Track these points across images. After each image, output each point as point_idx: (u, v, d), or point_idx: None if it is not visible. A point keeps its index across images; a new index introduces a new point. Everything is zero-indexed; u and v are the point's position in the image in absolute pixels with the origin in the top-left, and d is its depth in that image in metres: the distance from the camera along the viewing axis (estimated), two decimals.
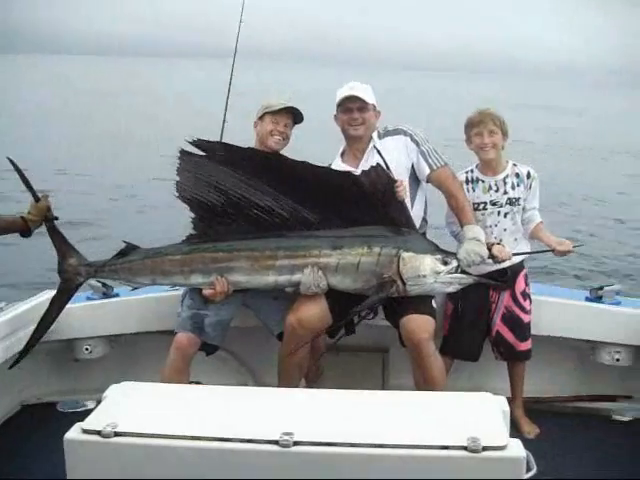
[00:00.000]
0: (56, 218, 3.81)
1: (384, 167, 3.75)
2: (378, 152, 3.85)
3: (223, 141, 4.08)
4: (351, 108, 3.98)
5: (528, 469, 2.19)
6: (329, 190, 3.77)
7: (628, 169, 20.96)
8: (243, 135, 4.16)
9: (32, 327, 3.97)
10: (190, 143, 3.75)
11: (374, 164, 3.81)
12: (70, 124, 26.84)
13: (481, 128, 3.99)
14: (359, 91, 4.00)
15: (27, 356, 3.85)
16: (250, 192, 3.77)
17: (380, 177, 3.72)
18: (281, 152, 4.07)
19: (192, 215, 3.88)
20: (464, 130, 4.12)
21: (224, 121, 4.97)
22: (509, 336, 4.05)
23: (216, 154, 3.80)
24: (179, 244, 3.90)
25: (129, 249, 3.88)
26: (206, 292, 3.77)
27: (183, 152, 3.79)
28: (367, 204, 3.75)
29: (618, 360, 4.14)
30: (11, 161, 3.79)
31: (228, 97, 5.17)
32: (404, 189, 3.74)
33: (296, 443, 2.13)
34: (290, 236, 3.78)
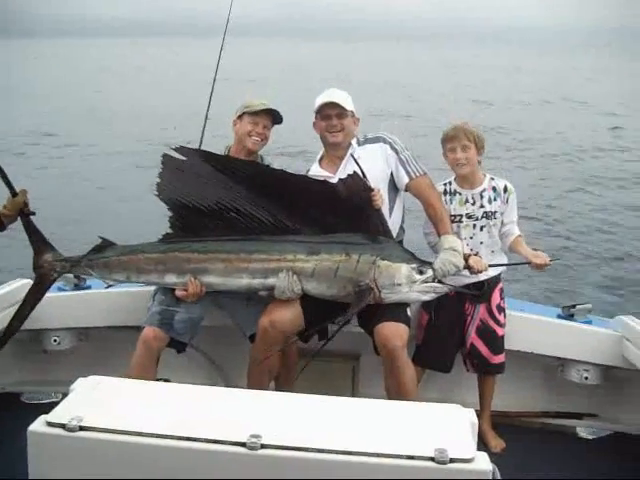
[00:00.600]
0: (33, 213, 3.76)
1: (361, 175, 3.74)
2: (355, 161, 3.82)
3: (203, 149, 4.07)
4: (330, 115, 3.97)
5: None
6: (306, 197, 3.77)
7: None
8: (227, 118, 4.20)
9: (2, 314, 3.92)
10: (173, 149, 3.77)
11: (352, 172, 3.79)
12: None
13: (455, 143, 3.98)
14: (338, 98, 3.99)
15: None
16: (228, 197, 3.78)
17: (357, 185, 3.71)
18: (259, 152, 4.10)
19: (170, 214, 3.87)
20: (441, 144, 4.12)
21: (209, 104, 4.93)
22: (483, 349, 4.07)
23: (196, 160, 3.81)
24: (155, 243, 3.88)
25: (105, 245, 3.86)
26: (178, 293, 3.76)
27: (165, 156, 3.80)
28: (344, 212, 3.75)
29: (587, 378, 4.17)
30: None
31: (216, 75, 5.16)
32: (381, 197, 3.74)
33: (263, 446, 2.11)
34: (266, 239, 3.77)
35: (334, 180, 3.86)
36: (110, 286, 3.90)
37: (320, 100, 4.01)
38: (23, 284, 4.11)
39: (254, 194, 3.76)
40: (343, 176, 3.82)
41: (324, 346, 3.78)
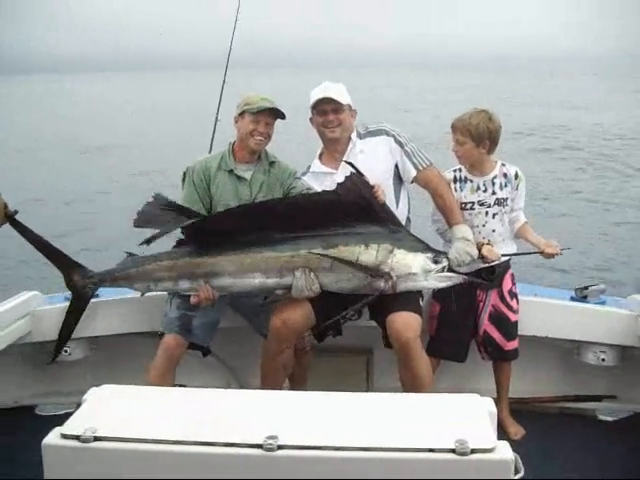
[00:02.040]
0: (16, 212, 3.70)
1: (358, 174, 3.69)
2: (349, 163, 3.77)
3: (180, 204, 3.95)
4: (326, 110, 3.92)
5: (516, 471, 2.15)
6: (311, 214, 3.71)
7: None
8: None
9: (11, 328, 3.92)
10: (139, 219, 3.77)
11: (355, 164, 3.76)
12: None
13: (454, 135, 3.97)
14: (333, 92, 3.93)
15: (3, 357, 3.79)
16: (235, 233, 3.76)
17: (357, 185, 3.66)
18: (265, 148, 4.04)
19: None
20: None
21: (214, 131, 4.94)
22: (496, 335, 4.03)
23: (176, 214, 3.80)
24: (168, 251, 3.87)
25: (129, 258, 3.91)
26: (192, 300, 3.73)
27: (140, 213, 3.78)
28: (350, 214, 3.70)
29: (603, 360, 4.13)
30: None
31: (219, 105, 5.17)
32: (382, 192, 3.70)
33: (280, 447, 2.08)
34: (277, 239, 3.71)
35: (336, 176, 3.84)
36: (142, 295, 3.92)
37: (315, 95, 3.95)
38: (31, 296, 4.10)
39: (260, 227, 3.73)
40: (345, 171, 3.77)
41: (323, 339, 3.78)
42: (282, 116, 4.01)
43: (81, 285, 3.90)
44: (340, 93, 3.95)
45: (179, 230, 3.82)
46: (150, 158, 21.73)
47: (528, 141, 23.50)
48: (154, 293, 3.97)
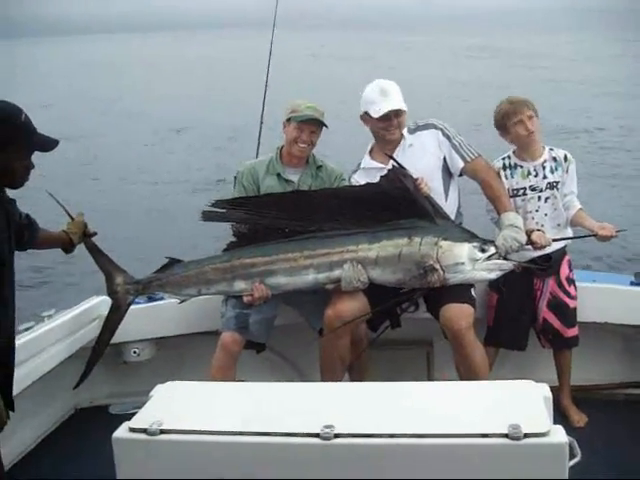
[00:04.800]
0: (94, 234, 3.83)
1: (401, 167, 3.77)
2: (392, 158, 3.86)
3: (235, 197, 4.12)
4: (389, 116, 3.92)
5: (572, 456, 2.16)
6: (355, 206, 3.83)
7: None
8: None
9: (82, 332, 4.09)
10: (210, 207, 3.93)
11: (405, 158, 3.83)
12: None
13: (519, 116, 3.93)
14: (395, 100, 3.92)
15: (79, 360, 3.96)
16: (280, 224, 3.92)
17: (400, 177, 3.74)
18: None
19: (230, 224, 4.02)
20: (495, 124, 4.08)
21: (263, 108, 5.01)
22: (556, 323, 4.00)
23: (236, 209, 3.95)
24: (219, 254, 4.00)
25: (172, 263, 3.99)
26: (246, 299, 3.84)
27: (204, 213, 3.96)
28: (394, 206, 3.78)
29: None
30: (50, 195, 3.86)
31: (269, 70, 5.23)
32: (426, 184, 3.75)
33: (337, 435, 2.15)
34: (327, 235, 3.84)
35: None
36: (183, 301, 3.99)
37: (375, 100, 3.93)
38: (100, 301, 4.28)
39: (303, 219, 3.87)
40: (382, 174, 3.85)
41: (382, 333, 3.85)
42: (326, 126, 4.08)
43: (122, 291, 3.92)
44: (400, 98, 3.96)
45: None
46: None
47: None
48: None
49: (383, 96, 3.95)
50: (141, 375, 4.51)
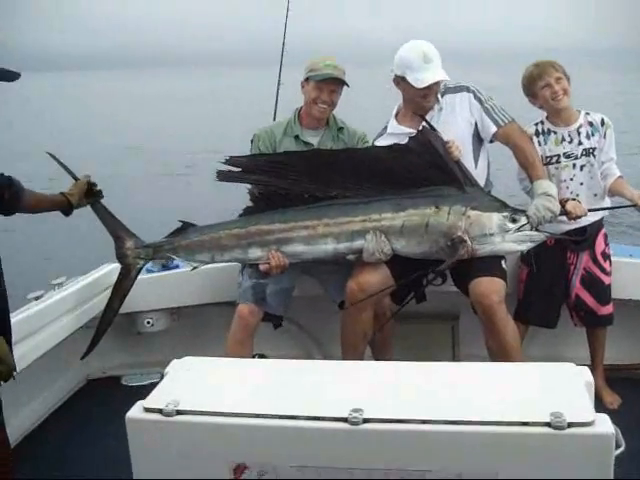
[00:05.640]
0: (99, 192, 3.67)
1: (431, 128, 3.57)
2: (424, 119, 3.64)
3: (252, 154, 3.94)
4: (431, 87, 3.68)
5: (617, 446, 2.01)
6: (380, 169, 3.62)
7: None
8: None
9: (93, 301, 3.97)
10: (225, 163, 3.69)
11: (434, 122, 3.63)
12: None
13: (546, 79, 3.74)
14: (438, 69, 3.65)
15: (90, 330, 3.85)
16: (299, 187, 3.70)
17: (430, 139, 3.53)
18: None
19: (248, 186, 3.80)
20: (524, 90, 3.88)
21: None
22: (589, 300, 3.83)
23: (253, 167, 3.74)
24: (235, 219, 3.82)
25: (185, 227, 3.81)
26: (262, 267, 3.67)
27: (219, 173, 3.73)
28: (422, 170, 3.58)
29: None
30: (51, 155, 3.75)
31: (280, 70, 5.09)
32: (457, 148, 3.55)
33: (366, 420, 2.00)
34: (348, 202, 3.65)
35: None
36: (195, 268, 3.81)
37: (422, 76, 3.63)
38: (112, 269, 4.15)
39: (323, 181, 3.66)
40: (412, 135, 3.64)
41: (405, 305, 3.69)
42: (346, 84, 3.88)
43: (133, 255, 3.78)
44: (440, 68, 3.67)
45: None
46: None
47: None
48: (229, 263, 3.93)
49: (426, 63, 3.65)
50: (155, 346, 4.43)
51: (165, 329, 4.39)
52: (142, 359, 4.45)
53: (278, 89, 5.02)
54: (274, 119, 4.63)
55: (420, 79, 3.63)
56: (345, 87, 3.92)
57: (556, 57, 3.98)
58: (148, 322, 4.31)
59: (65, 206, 3.44)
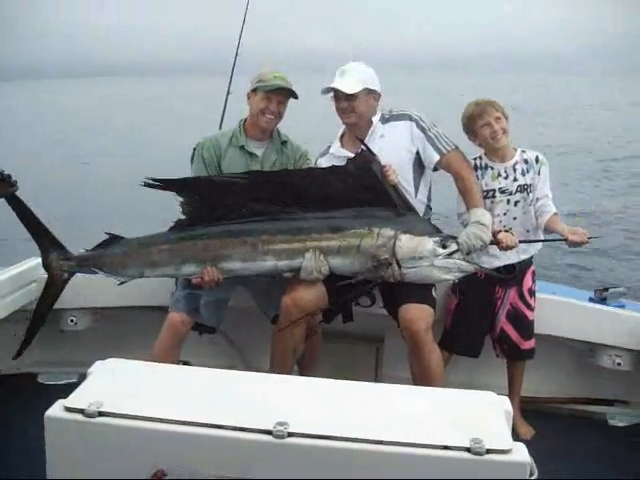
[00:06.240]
0: (13, 182, 3.53)
1: (370, 152, 3.61)
2: (363, 143, 3.70)
3: (183, 178, 3.79)
4: (339, 97, 3.79)
5: (530, 474, 2.08)
6: (319, 189, 3.63)
7: None
8: None
9: (17, 294, 3.87)
10: (147, 185, 3.61)
11: (374, 149, 3.67)
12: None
13: (486, 119, 3.84)
14: (345, 80, 3.76)
15: (7, 324, 3.74)
16: (239, 205, 3.66)
17: (367, 162, 3.58)
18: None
19: (180, 199, 3.70)
20: (464, 128, 3.99)
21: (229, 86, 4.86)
22: (513, 334, 3.95)
23: (185, 189, 3.68)
24: (167, 232, 3.72)
25: (112, 239, 3.72)
26: (194, 281, 3.61)
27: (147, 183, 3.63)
28: (359, 192, 3.61)
29: (619, 364, 4.03)
30: None
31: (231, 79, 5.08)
32: (394, 172, 3.60)
33: (291, 434, 2.01)
34: (287, 219, 3.64)
35: None
36: (122, 283, 3.70)
37: (331, 82, 3.80)
38: (38, 263, 4.03)
39: (261, 199, 3.64)
40: (350, 157, 3.70)
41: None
42: (295, 96, 3.91)
43: (56, 266, 3.73)
44: (354, 79, 3.77)
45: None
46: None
47: None
48: None
49: (340, 76, 3.81)
50: (76, 345, 4.32)
51: (88, 328, 4.29)
52: (61, 358, 4.31)
53: (227, 98, 5.00)
54: (220, 127, 4.60)
55: (325, 86, 3.79)
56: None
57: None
58: (71, 320, 4.20)
59: None
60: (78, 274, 4.04)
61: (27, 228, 3.70)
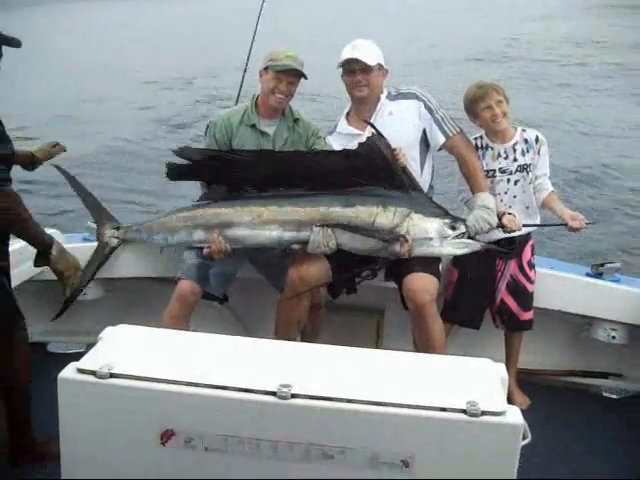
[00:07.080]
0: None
1: (379, 135, 3.67)
2: (371, 125, 3.76)
3: (203, 148, 4.03)
4: (354, 70, 3.83)
5: (523, 437, 2.17)
6: (328, 171, 3.70)
7: None
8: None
9: (28, 264, 3.93)
10: (175, 153, 3.81)
11: (383, 126, 3.73)
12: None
13: (488, 101, 3.89)
14: (362, 52, 3.82)
15: (18, 294, 3.81)
16: (249, 184, 3.81)
17: (378, 146, 3.64)
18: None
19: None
20: (465, 109, 4.03)
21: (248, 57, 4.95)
22: (513, 305, 4.04)
23: (201, 162, 3.83)
24: (191, 204, 3.95)
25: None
26: (205, 251, 3.73)
27: (170, 167, 3.84)
28: (370, 175, 3.68)
29: (614, 338, 4.12)
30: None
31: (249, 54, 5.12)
32: (404, 155, 3.67)
33: (294, 395, 2.10)
34: (298, 193, 3.72)
35: (364, 137, 3.78)
36: (161, 251, 4.05)
37: (344, 54, 3.86)
38: (51, 233, 4.09)
39: (273, 180, 3.76)
40: (361, 141, 3.75)
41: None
42: (305, 77, 3.93)
43: (110, 234, 4.09)
44: (369, 53, 3.84)
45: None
46: None
47: None
48: None
49: (351, 48, 3.86)
50: (86, 315, 4.39)
51: (97, 299, 4.37)
52: (71, 327, 4.39)
53: (244, 75, 5.01)
54: (236, 103, 4.61)
55: (342, 55, 3.85)
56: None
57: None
58: (81, 290, 4.29)
59: (27, 162, 3.77)
60: (87, 243, 4.18)
61: (83, 202, 4.16)
